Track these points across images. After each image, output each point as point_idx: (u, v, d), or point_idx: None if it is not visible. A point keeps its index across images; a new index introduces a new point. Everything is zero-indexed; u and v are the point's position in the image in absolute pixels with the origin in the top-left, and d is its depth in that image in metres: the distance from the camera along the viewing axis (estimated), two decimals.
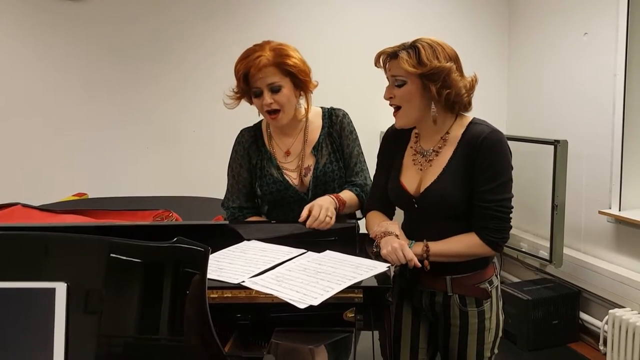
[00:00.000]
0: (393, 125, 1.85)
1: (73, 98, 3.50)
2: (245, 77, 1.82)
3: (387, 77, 1.69)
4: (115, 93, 3.56)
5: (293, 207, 1.95)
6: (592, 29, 3.37)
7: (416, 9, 3.94)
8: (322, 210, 1.70)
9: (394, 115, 1.69)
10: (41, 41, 3.42)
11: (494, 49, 4.10)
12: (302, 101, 1.94)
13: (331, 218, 1.72)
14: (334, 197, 1.81)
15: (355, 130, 1.99)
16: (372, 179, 1.95)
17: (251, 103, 1.93)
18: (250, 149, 1.98)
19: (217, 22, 3.65)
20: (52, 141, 3.49)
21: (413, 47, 1.61)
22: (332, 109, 2.01)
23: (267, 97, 1.82)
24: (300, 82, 1.87)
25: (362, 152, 2.00)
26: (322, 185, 1.94)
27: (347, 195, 1.88)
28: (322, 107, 2.02)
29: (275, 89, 1.82)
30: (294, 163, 1.96)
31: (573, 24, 3.50)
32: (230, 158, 2.02)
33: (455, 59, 1.64)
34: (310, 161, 1.96)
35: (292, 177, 1.95)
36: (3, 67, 3.39)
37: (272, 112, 1.86)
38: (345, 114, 2.00)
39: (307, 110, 1.95)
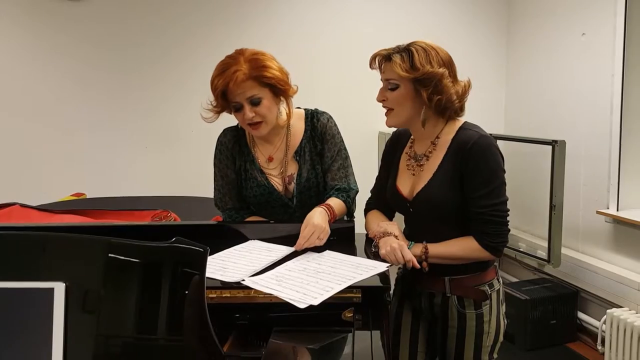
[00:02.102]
0: (397, 130, 1.86)
1: (71, 98, 3.50)
2: (223, 93, 1.78)
3: (381, 79, 1.70)
4: (114, 93, 3.56)
5: (278, 210, 1.93)
6: (590, 30, 3.37)
7: (415, 10, 3.94)
8: (314, 232, 1.66)
9: (385, 114, 1.70)
10: (40, 41, 3.42)
11: (492, 50, 4.11)
12: (283, 107, 1.90)
13: (321, 240, 1.67)
14: (327, 210, 1.76)
15: (339, 134, 1.94)
16: (357, 185, 1.95)
17: (231, 112, 1.90)
18: (234, 150, 1.95)
19: (216, 22, 3.65)
20: (50, 141, 3.49)
21: (407, 51, 1.62)
22: (315, 111, 1.96)
23: (248, 112, 1.78)
24: (280, 91, 1.82)
25: (347, 156, 1.95)
26: (306, 191, 1.91)
27: (336, 203, 1.83)
28: (305, 109, 1.97)
29: (255, 102, 1.78)
30: (277, 169, 1.93)
31: (571, 25, 3.51)
32: (215, 157, 1.98)
33: (449, 63, 1.64)
34: (293, 168, 1.92)
35: (277, 183, 1.92)
36: (2, 66, 3.39)
37: (254, 124, 1.82)
38: (329, 118, 1.94)
39: (288, 116, 1.91)
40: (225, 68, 1.77)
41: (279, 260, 1.58)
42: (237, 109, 1.81)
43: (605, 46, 3.26)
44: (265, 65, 1.78)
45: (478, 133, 1.64)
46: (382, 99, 1.68)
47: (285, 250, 1.65)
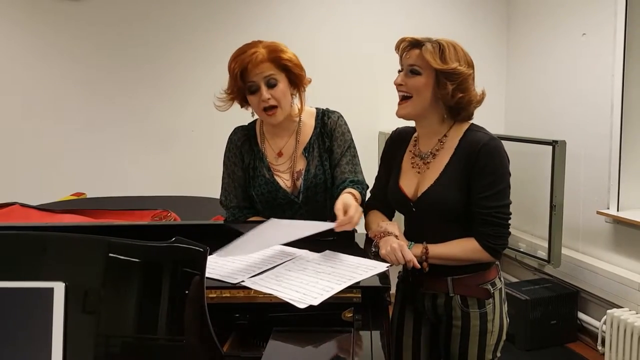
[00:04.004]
0: (397, 129, 1.86)
1: (71, 98, 3.50)
2: (241, 73, 1.81)
3: (402, 65, 1.69)
4: (114, 93, 3.56)
5: (284, 208, 1.93)
6: (591, 30, 3.37)
7: (415, 9, 3.94)
8: (357, 212, 1.66)
9: (399, 103, 1.68)
10: (40, 41, 3.42)
11: (492, 49, 4.11)
12: (296, 101, 1.93)
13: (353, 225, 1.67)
14: (355, 198, 1.77)
15: (349, 132, 1.96)
16: (365, 179, 1.94)
17: (242, 106, 1.92)
18: (243, 148, 1.97)
19: (215, 22, 3.65)
20: (51, 141, 3.49)
21: (437, 43, 1.62)
22: (326, 110, 1.99)
23: (265, 92, 1.81)
24: (295, 77, 1.86)
25: (356, 155, 1.97)
26: (313, 187, 1.91)
27: (357, 194, 1.83)
28: (317, 108, 2.00)
29: (271, 83, 1.81)
30: (285, 165, 1.94)
31: (571, 25, 3.51)
32: (225, 155, 2.00)
33: (472, 67, 1.66)
34: (301, 164, 1.93)
35: (285, 179, 1.93)
36: (2, 66, 3.39)
37: (269, 109, 1.84)
38: (339, 116, 1.97)
39: (300, 110, 1.93)
40: (244, 50, 1.82)
41: (279, 261, 1.58)
42: (253, 91, 1.83)
43: (605, 46, 3.25)
44: (282, 50, 1.85)
45: (488, 135, 1.65)
46: (401, 82, 1.66)
47: (286, 251, 1.65)
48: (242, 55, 1.81)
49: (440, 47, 1.61)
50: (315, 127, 1.95)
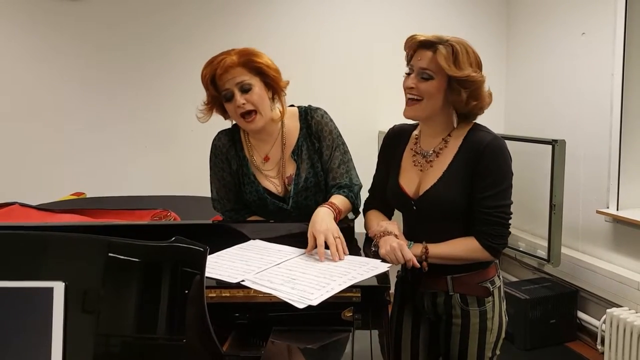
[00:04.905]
0: (394, 126, 1.85)
1: (71, 97, 3.50)
2: (212, 81, 1.77)
3: (412, 66, 1.63)
4: (114, 92, 3.56)
5: (275, 213, 1.90)
6: (590, 29, 3.37)
7: (415, 9, 3.94)
8: (322, 234, 1.59)
9: (408, 105, 1.64)
10: (40, 41, 3.42)
11: (492, 48, 4.10)
12: (277, 106, 1.87)
13: (340, 239, 1.61)
14: (331, 208, 1.72)
15: (336, 129, 1.90)
16: (359, 179, 1.92)
17: (225, 117, 1.88)
18: (229, 154, 1.92)
19: (215, 21, 3.65)
20: (50, 140, 3.49)
21: (450, 46, 1.57)
22: (308, 108, 1.92)
23: (239, 98, 1.75)
24: (272, 80, 1.80)
25: (346, 151, 1.92)
26: (303, 192, 1.88)
27: (340, 200, 1.79)
28: (298, 107, 1.94)
29: (245, 89, 1.75)
30: (274, 170, 1.90)
31: (571, 24, 3.51)
32: (211, 161, 1.96)
33: (481, 67, 1.62)
34: (291, 168, 1.88)
35: (275, 184, 1.89)
36: (2, 66, 3.39)
37: (247, 115, 1.77)
38: (323, 114, 1.90)
39: (282, 112, 1.87)
40: (214, 58, 1.78)
41: (278, 260, 1.58)
42: (227, 98, 1.78)
43: (605, 45, 3.25)
44: (254, 53, 1.79)
45: (491, 134, 1.64)
46: (412, 86, 1.61)
47: (285, 250, 1.65)
48: (212, 63, 1.77)
49: (454, 51, 1.56)
50: (301, 129, 1.89)
